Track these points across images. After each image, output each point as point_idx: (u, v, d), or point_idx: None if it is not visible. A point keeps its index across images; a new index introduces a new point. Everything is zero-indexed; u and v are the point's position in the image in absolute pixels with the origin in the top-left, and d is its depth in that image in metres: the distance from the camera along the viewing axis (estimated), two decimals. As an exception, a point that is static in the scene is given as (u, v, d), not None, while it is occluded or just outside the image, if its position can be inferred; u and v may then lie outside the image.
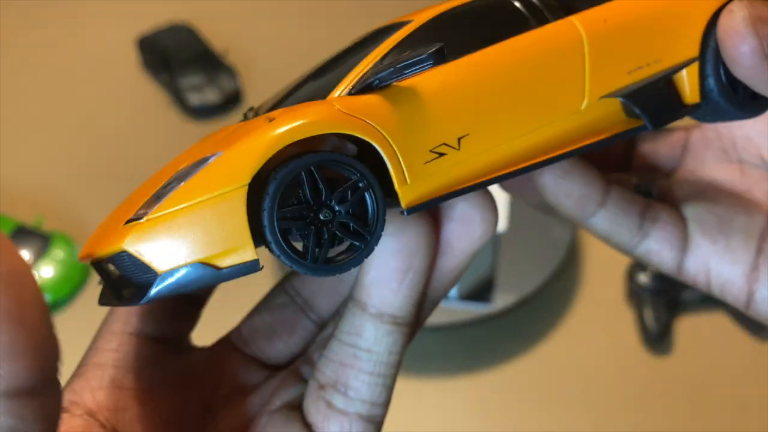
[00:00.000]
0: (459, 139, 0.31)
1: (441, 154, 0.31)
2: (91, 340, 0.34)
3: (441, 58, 0.29)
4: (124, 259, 0.28)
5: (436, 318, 0.83)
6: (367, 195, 0.30)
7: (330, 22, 1.28)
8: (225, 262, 0.28)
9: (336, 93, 0.31)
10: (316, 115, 0.29)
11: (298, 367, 0.35)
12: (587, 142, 0.34)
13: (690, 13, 0.36)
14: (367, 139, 0.29)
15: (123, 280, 0.30)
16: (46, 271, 0.92)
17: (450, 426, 0.82)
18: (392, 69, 0.30)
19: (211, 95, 1.14)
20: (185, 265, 0.28)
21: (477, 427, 0.82)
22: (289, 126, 0.28)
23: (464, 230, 0.34)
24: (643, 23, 0.35)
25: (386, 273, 0.33)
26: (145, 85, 1.21)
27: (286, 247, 0.28)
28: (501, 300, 0.85)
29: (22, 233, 0.95)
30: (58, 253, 0.93)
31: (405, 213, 0.30)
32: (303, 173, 0.29)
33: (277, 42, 1.26)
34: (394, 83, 0.31)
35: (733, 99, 0.36)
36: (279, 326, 0.37)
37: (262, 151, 0.28)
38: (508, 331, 0.87)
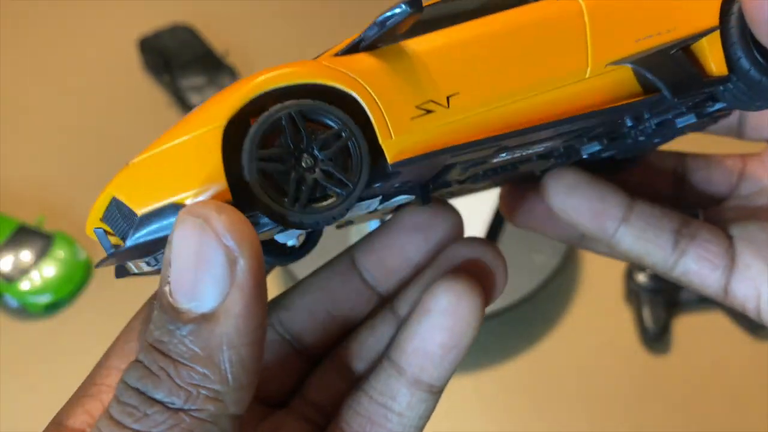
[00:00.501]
0: (448, 98, 0.31)
1: (428, 111, 0.30)
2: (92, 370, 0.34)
3: (416, 5, 0.28)
4: (114, 211, 0.29)
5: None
6: (350, 144, 0.30)
7: (330, 23, 1.28)
8: None
9: (325, 55, 0.32)
10: (297, 66, 0.29)
11: (296, 408, 0.35)
12: (594, 108, 0.33)
13: None
14: (348, 90, 0.29)
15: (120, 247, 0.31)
16: (47, 271, 0.92)
17: (450, 426, 0.82)
18: (373, 24, 0.30)
19: (211, 96, 1.14)
20: (162, 207, 0.28)
21: (477, 427, 0.82)
22: (268, 75, 0.29)
23: (449, 324, 0.32)
24: None
25: (432, 346, 0.32)
26: (146, 85, 1.21)
27: (264, 189, 0.28)
28: (500, 299, 0.85)
29: (24, 233, 0.95)
30: (60, 252, 0.93)
31: (390, 168, 0.30)
32: (284, 119, 0.29)
33: (277, 42, 1.27)
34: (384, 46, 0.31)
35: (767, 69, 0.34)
36: (272, 364, 0.36)
37: (239, 96, 0.29)
38: (507, 330, 0.88)
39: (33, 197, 1.03)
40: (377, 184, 0.32)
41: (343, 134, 0.29)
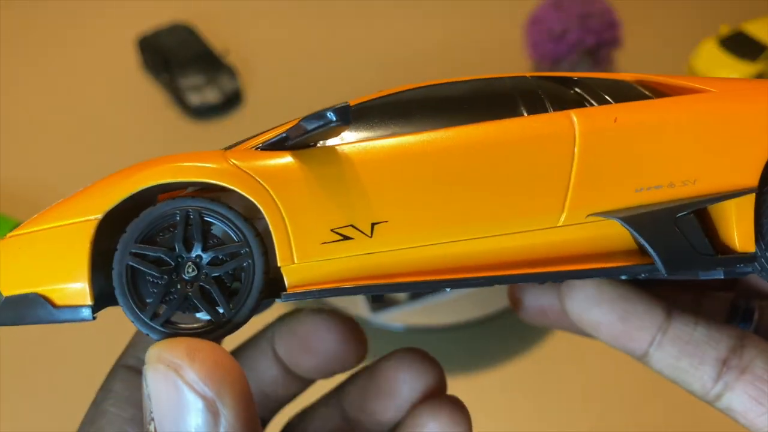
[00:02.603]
0: (373, 225, 0.25)
1: (345, 237, 0.25)
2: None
3: (344, 117, 0.24)
4: None
5: (437, 319, 0.83)
6: (245, 264, 0.26)
7: (330, 23, 1.28)
8: (61, 299, 0.25)
9: (248, 146, 0.28)
10: (191, 162, 0.26)
11: None
12: (562, 268, 0.26)
13: (753, 128, 0.27)
14: (251, 198, 0.25)
15: None
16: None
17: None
18: (298, 124, 0.25)
19: (211, 95, 1.14)
20: (25, 294, 0.26)
21: (477, 427, 0.82)
22: (156, 168, 0.26)
23: None
24: (678, 129, 0.27)
25: None
26: (146, 85, 1.21)
27: (126, 289, 0.25)
28: (501, 301, 0.85)
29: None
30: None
31: (282, 299, 0.26)
32: (179, 216, 0.26)
33: (277, 42, 1.26)
34: (318, 146, 0.26)
35: None
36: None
37: (120, 188, 0.26)
38: (507, 331, 0.88)
39: (31, 197, 1.03)
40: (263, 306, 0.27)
41: (242, 251, 0.26)
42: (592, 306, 0.31)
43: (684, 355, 0.30)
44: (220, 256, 0.25)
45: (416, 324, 0.80)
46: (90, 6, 1.36)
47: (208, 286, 0.25)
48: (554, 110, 0.28)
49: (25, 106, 1.19)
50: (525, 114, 0.28)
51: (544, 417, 0.82)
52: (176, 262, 0.26)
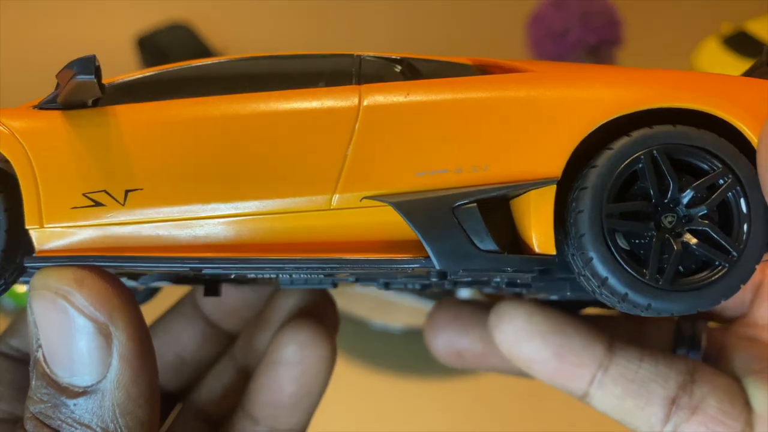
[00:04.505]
0: (127, 192, 0.24)
1: (97, 204, 0.24)
2: None
3: (85, 68, 0.24)
4: None
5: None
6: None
7: (329, 23, 1.27)
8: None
9: (33, 105, 0.27)
10: None
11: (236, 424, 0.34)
12: (330, 254, 0.24)
13: (561, 113, 0.25)
14: (5, 154, 0.24)
15: None
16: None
17: (452, 426, 0.82)
18: (58, 83, 0.25)
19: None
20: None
21: (478, 427, 0.82)
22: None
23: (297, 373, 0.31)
24: (474, 109, 0.25)
25: (282, 398, 0.31)
26: (144, 84, 1.21)
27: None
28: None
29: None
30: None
31: (24, 262, 0.25)
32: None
33: (277, 41, 1.26)
34: (90, 108, 0.25)
35: (631, 270, 0.24)
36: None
37: None
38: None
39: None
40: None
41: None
42: (522, 340, 0.29)
43: (629, 395, 0.27)
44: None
45: (416, 325, 0.79)
46: (88, 5, 1.36)
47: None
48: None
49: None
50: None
51: (544, 417, 0.82)
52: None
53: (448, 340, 0.36)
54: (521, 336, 0.29)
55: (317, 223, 0.24)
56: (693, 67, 1.12)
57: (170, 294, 0.39)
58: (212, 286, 0.32)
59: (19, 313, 0.36)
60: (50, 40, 1.29)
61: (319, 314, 0.34)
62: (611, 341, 0.29)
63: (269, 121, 0.24)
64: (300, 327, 0.31)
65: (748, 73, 0.29)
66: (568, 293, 0.30)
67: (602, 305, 0.36)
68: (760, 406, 0.27)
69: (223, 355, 0.38)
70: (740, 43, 1.10)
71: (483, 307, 0.36)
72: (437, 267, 0.24)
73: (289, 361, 0.31)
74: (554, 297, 0.33)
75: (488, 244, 0.24)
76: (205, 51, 1.19)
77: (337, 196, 0.24)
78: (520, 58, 1.19)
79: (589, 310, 0.36)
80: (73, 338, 0.24)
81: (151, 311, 0.35)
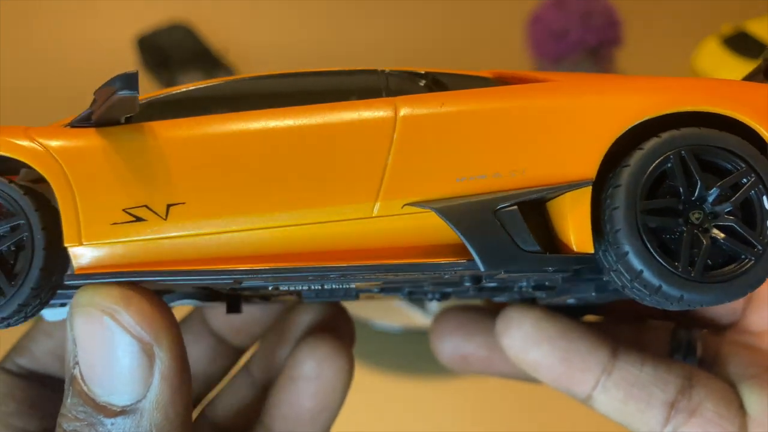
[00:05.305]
0: (169, 207, 0.24)
1: (138, 219, 0.24)
2: None
3: (129, 84, 0.23)
4: None
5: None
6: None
7: (329, 23, 1.27)
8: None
9: (63, 124, 0.27)
10: None
11: None
12: (377, 260, 0.24)
13: (591, 118, 0.26)
14: (40, 171, 0.24)
15: None
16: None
17: (452, 427, 0.82)
18: (94, 98, 0.25)
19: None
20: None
21: (478, 427, 0.82)
22: None
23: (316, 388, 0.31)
24: (508, 117, 0.25)
25: (300, 412, 0.31)
26: (145, 84, 1.20)
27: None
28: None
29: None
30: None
31: (66, 280, 0.24)
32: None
33: (277, 41, 1.26)
34: (125, 124, 0.25)
35: (665, 262, 0.25)
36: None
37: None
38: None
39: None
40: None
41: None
42: (530, 345, 0.30)
43: (630, 399, 0.28)
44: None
45: (415, 326, 0.79)
46: (89, 5, 1.36)
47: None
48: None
49: (22, 105, 1.19)
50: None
51: (544, 417, 0.82)
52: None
53: (454, 346, 0.37)
54: (529, 341, 0.30)
55: (359, 230, 0.25)
56: (693, 67, 1.12)
57: (177, 310, 0.39)
58: (235, 303, 0.32)
59: (26, 333, 0.36)
60: (50, 40, 1.29)
61: (336, 328, 0.35)
62: (614, 346, 0.30)
63: (308, 134, 0.25)
64: (318, 343, 0.32)
65: (749, 78, 0.31)
66: (593, 294, 0.31)
67: (602, 312, 0.37)
68: (754, 410, 0.28)
69: (231, 370, 0.38)
70: (740, 43, 1.10)
71: (487, 313, 0.37)
72: (482, 269, 0.24)
73: (308, 376, 0.31)
74: (571, 301, 0.34)
75: (530, 245, 0.25)
76: (205, 51, 1.19)
77: (379, 203, 0.25)
78: (519, 58, 1.19)
79: (589, 318, 0.37)
80: (116, 357, 0.24)
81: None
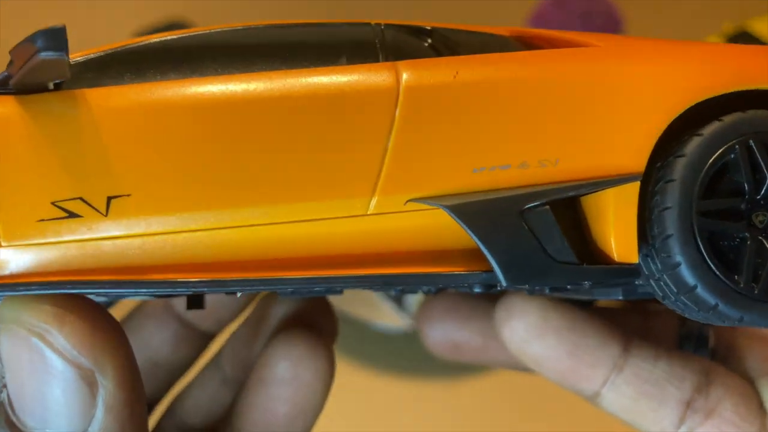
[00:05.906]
0: (109, 199, 0.19)
1: (71, 215, 0.19)
2: None
3: (52, 42, 0.17)
4: None
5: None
6: None
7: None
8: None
9: None
10: None
11: None
12: (373, 270, 0.19)
13: (642, 96, 0.20)
14: None
15: None
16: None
17: (452, 427, 0.81)
18: (11, 60, 0.19)
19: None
20: None
21: (478, 428, 0.82)
22: None
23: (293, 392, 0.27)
24: (538, 92, 0.20)
25: (275, 418, 0.29)
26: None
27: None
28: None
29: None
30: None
31: None
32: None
33: (276, 40, 1.26)
34: (52, 91, 0.19)
35: (724, 277, 0.21)
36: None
37: None
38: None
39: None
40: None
41: None
42: (534, 338, 0.26)
43: (642, 396, 0.26)
44: None
45: (416, 326, 0.79)
46: (87, 4, 1.35)
47: None
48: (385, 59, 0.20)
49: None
50: (343, 62, 0.20)
51: (546, 418, 0.81)
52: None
53: (445, 332, 0.33)
54: (533, 333, 0.27)
55: (351, 232, 0.20)
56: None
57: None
58: (197, 298, 0.28)
59: None
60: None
61: (315, 322, 0.30)
62: (626, 339, 0.27)
63: (286, 107, 0.20)
64: (293, 340, 0.27)
65: None
66: (620, 297, 0.25)
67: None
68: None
69: (199, 359, 0.35)
70: (742, 42, 1.10)
71: (483, 297, 0.33)
72: (504, 283, 0.20)
73: (282, 379, 0.27)
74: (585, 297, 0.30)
75: (566, 255, 0.20)
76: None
77: (376, 199, 0.20)
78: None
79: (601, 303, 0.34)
80: (48, 384, 0.20)
81: (115, 311, 0.33)
